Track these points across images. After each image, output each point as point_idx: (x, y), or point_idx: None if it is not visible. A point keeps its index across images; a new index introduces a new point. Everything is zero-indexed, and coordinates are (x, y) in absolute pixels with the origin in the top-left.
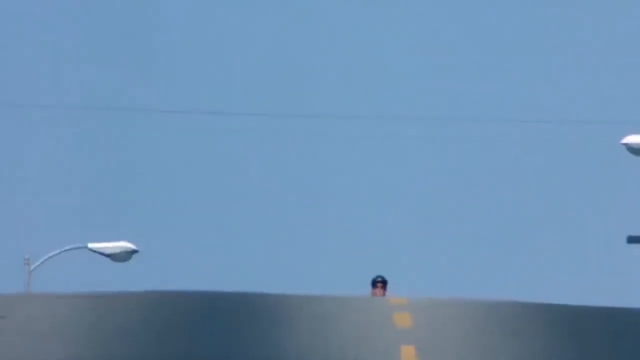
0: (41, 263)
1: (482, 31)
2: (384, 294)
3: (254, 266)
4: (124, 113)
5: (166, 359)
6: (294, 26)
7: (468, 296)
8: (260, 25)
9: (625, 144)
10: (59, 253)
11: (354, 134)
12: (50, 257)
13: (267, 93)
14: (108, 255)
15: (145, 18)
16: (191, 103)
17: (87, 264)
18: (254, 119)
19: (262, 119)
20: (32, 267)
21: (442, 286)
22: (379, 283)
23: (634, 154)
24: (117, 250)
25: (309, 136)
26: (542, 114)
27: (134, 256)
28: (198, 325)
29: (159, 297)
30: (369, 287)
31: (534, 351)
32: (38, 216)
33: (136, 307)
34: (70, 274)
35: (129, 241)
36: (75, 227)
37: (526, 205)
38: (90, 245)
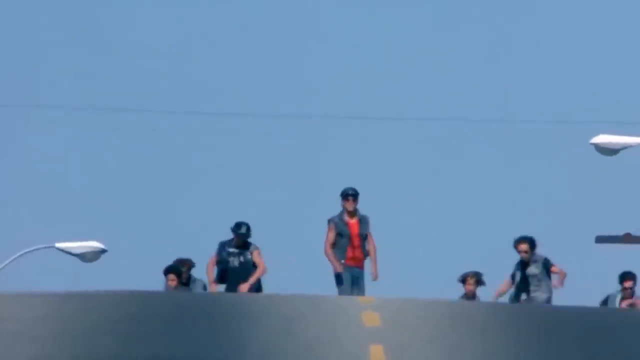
0: (9, 262)
1: (464, 32)
2: (354, 207)
3: None
4: (92, 112)
5: (134, 359)
6: (292, 26)
7: (436, 296)
8: (258, 25)
9: (594, 144)
10: (27, 252)
11: (353, 135)
12: (18, 257)
13: (250, 93)
14: (77, 255)
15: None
16: (166, 102)
17: (55, 264)
18: (233, 119)
19: (247, 119)
20: (0, 266)
21: (410, 286)
22: (350, 196)
23: (602, 153)
24: (86, 250)
25: (280, 136)
26: (510, 114)
27: (103, 256)
28: (166, 324)
29: (127, 296)
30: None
31: (501, 350)
32: (6, 215)
33: (105, 307)
34: (38, 274)
35: (98, 241)
36: (44, 226)
37: (494, 204)
38: (59, 244)
